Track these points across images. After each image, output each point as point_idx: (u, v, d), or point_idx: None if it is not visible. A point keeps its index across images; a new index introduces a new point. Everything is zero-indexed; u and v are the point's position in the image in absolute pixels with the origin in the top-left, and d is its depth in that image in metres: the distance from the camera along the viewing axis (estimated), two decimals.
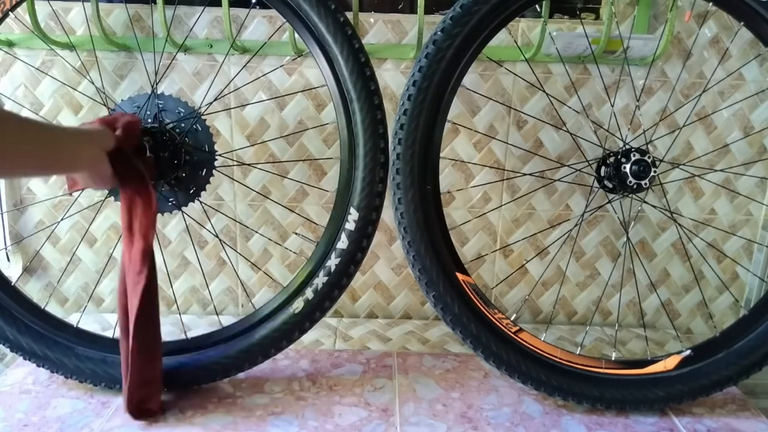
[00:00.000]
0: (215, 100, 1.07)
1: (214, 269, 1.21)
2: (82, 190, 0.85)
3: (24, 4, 0.97)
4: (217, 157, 0.94)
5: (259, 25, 1.08)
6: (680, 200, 1.18)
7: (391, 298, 1.24)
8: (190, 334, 0.97)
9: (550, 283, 1.22)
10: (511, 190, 1.17)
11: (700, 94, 1.10)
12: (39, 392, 0.94)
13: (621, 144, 0.97)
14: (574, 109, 1.11)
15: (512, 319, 0.93)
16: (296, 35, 1.00)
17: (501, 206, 1.17)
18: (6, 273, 0.96)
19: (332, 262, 0.90)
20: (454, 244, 0.92)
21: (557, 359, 0.93)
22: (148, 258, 0.81)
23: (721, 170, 1.15)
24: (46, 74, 1.10)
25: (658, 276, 1.22)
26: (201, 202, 0.99)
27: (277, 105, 1.12)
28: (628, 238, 1.16)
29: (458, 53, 0.86)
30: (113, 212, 1.17)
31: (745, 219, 1.19)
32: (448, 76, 0.87)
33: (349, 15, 0.98)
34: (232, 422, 0.87)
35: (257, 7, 1.08)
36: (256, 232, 1.19)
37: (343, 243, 0.90)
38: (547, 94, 1.09)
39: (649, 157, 0.91)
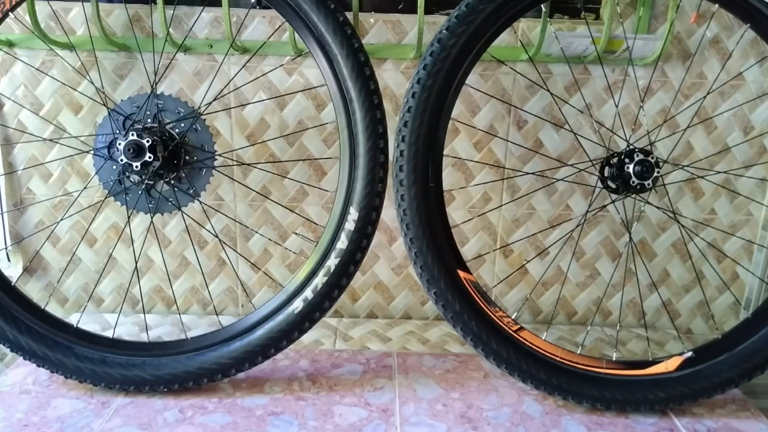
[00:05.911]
0: (215, 99, 1.07)
1: (214, 269, 1.21)
2: None
3: (24, 4, 0.97)
4: (216, 157, 0.94)
5: (259, 25, 1.08)
6: (680, 200, 1.18)
7: (391, 298, 1.24)
8: (190, 334, 0.97)
9: (550, 283, 1.22)
10: (511, 191, 1.17)
11: (705, 97, 1.10)
12: (39, 392, 0.94)
13: (624, 144, 0.97)
14: (577, 109, 1.11)
15: (512, 318, 0.93)
16: (296, 35, 1.00)
17: (501, 206, 1.17)
18: (6, 273, 0.96)
19: (332, 262, 0.90)
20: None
21: (558, 358, 0.92)
22: None
23: (725, 172, 1.15)
24: (46, 74, 1.10)
25: (658, 276, 1.22)
26: (201, 202, 0.99)
27: (277, 105, 1.12)
28: (630, 239, 1.15)
29: (463, 52, 0.86)
30: (113, 212, 1.17)
31: (745, 219, 1.19)
32: (452, 75, 0.87)
33: (349, 15, 0.98)
34: (232, 422, 0.87)
35: (257, 7, 1.08)
36: (256, 232, 1.18)
37: (342, 243, 0.90)
38: (551, 94, 1.09)
39: (652, 158, 0.91)
